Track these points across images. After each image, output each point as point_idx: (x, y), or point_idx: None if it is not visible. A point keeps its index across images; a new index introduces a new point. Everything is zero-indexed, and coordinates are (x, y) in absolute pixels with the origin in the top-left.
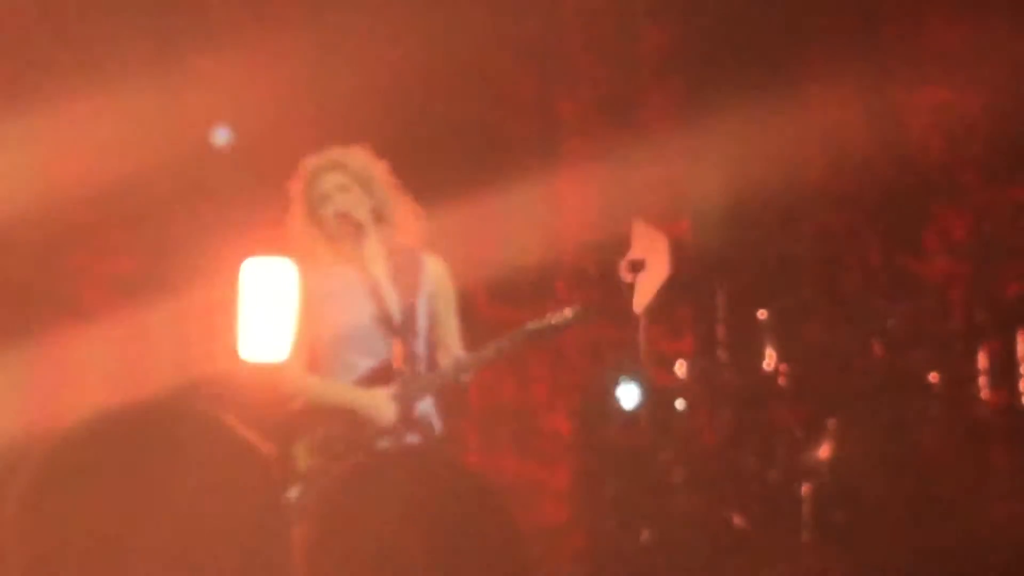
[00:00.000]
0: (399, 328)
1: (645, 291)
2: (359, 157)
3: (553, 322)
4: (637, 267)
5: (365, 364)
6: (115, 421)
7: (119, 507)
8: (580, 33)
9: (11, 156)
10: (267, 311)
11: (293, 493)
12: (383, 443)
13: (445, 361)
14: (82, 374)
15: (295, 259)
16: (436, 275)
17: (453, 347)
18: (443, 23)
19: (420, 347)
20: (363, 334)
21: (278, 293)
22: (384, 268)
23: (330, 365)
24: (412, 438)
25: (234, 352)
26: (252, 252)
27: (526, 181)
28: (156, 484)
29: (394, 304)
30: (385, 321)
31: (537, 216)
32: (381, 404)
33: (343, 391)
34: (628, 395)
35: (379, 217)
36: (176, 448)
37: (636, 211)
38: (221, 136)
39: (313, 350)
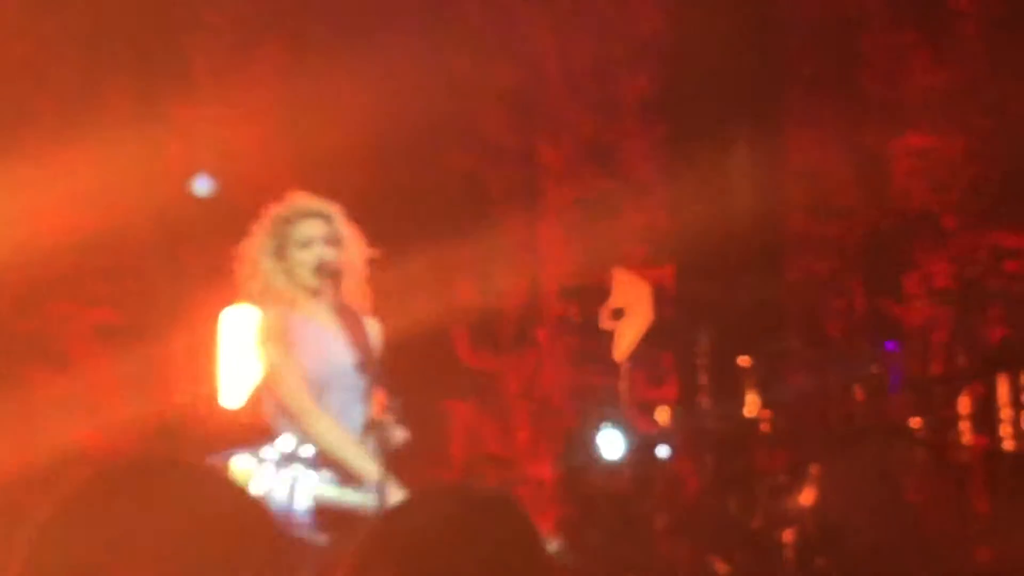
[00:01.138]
0: (378, 378)
1: (626, 338)
2: (340, 215)
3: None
4: (618, 315)
5: (349, 411)
6: (109, 478)
7: (118, 563)
8: (562, 81)
9: None
10: (247, 358)
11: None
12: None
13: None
14: (64, 421)
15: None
16: (376, 338)
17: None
18: (424, 71)
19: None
20: (345, 381)
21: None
22: (335, 321)
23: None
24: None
25: (214, 399)
26: (232, 300)
27: (508, 228)
28: (154, 539)
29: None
30: (365, 369)
31: (519, 263)
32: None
33: (356, 453)
34: (611, 442)
35: (340, 277)
36: (176, 501)
37: (617, 258)
38: (202, 185)
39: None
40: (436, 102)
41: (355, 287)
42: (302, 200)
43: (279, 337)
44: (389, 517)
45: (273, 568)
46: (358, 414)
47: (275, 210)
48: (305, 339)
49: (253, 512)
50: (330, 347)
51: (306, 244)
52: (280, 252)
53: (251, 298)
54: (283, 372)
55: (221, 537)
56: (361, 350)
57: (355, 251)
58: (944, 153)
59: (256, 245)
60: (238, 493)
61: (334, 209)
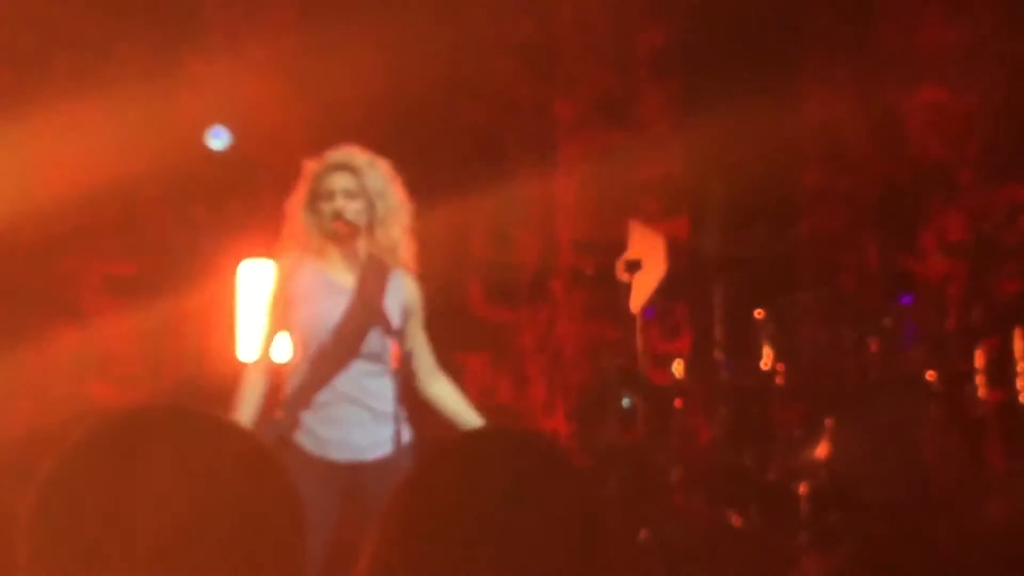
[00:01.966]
0: (396, 331)
1: (642, 291)
2: (375, 169)
3: None
4: (634, 267)
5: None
6: (118, 426)
7: (127, 513)
8: (577, 33)
9: (8, 159)
10: (264, 312)
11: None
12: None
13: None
14: (79, 376)
15: (286, 247)
16: (410, 291)
17: (425, 362)
18: (439, 25)
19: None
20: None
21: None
22: (354, 276)
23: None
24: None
25: (231, 353)
26: (249, 254)
27: (522, 181)
28: (162, 490)
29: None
30: (383, 322)
31: (534, 216)
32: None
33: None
34: (626, 395)
35: (372, 230)
36: (183, 450)
37: (632, 211)
38: (216, 138)
39: (307, 344)
40: (451, 56)
41: (386, 241)
42: (337, 152)
43: (276, 289)
44: (429, 463)
45: (286, 519)
46: (368, 367)
47: (312, 164)
48: (307, 292)
49: (265, 462)
50: (335, 301)
51: (328, 196)
52: (312, 204)
53: (288, 247)
54: (263, 323)
55: (231, 487)
56: (368, 306)
57: (385, 205)
58: (959, 107)
59: (296, 198)
60: (249, 442)
61: (369, 162)
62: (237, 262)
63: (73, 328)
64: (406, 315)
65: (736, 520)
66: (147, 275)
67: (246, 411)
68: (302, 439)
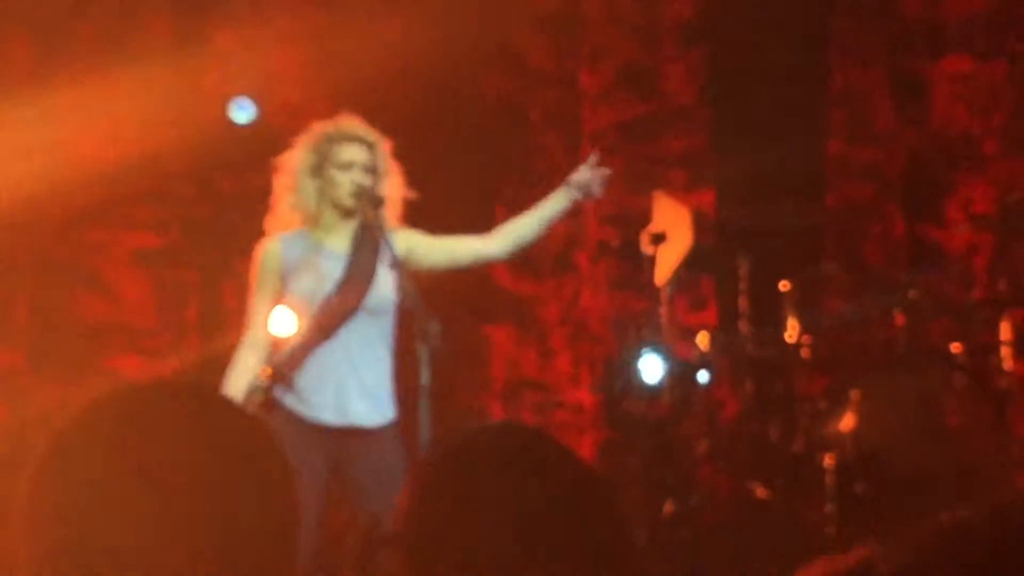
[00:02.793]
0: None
1: (667, 263)
2: (384, 148)
3: None
4: (659, 239)
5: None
6: (117, 402)
7: (118, 490)
8: (602, 5)
9: (33, 132)
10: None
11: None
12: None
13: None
14: (105, 348)
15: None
16: (404, 241)
17: (470, 242)
18: None
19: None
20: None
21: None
22: (349, 239)
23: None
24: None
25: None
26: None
27: (547, 153)
28: (158, 465)
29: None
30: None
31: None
32: None
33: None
34: (650, 367)
35: (380, 205)
36: (180, 426)
37: (658, 183)
38: (240, 109)
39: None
40: (476, 28)
41: (382, 218)
42: (349, 123)
43: (269, 259)
44: (441, 456)
45: (280, 499)
46: (374, 340)
47: (321, 127)
48: (302, 260)
49: (262, 443)
50: (331, 268)
51: (346, 167)
52: (318, 170)
53: (281, 211)
54: (254, 304)
55: (226, 465)
56: (363, 271)
57: (393, 185)
58: (985, 77)
59: (296, 159)
60: (249, 422)
61: (380, 140)
62: (262, 234)
63: (99, 301)
64: (407, 265)
65: (761, 492)
66: (172, 247)
67: (237, 382)
68: (293, 402)
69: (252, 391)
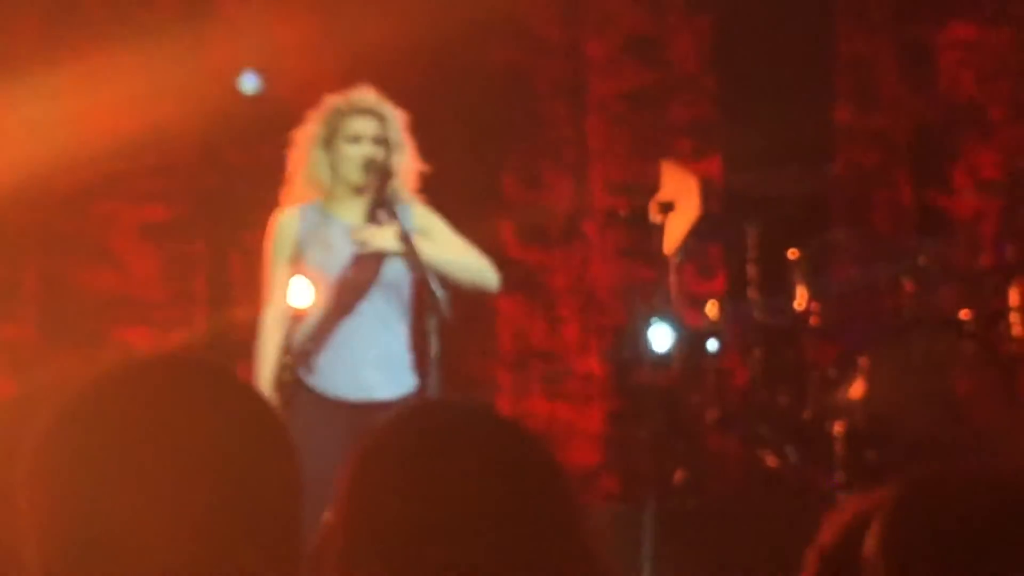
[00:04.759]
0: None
1: (675, 232)
2: (398, 120)
3: None
4: (667, 208)
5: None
6: (121, 375)
7: (119, 466)
8: None
9: (40, 105)
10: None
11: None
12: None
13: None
14: (113, 321)
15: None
16: (419, 217)
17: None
18: None
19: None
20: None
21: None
22: (362, 212)
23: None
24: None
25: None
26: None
27: (554, 122)
28: (158, 444)
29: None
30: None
31: (565, 157)
32: None
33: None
34: (659, 336)
35: (388, 178)
36: (182, 403)
37: (666, 151)
38: (249, 82)
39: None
40: None
41: (395, 191)
42: (361, 96)
43: (283, 233)
44: (382, 432)
45: (282, 480)
46: (390, 313)
47: (333, 100)
48: (316, 234)
49: (267, 422)
50: (345, 241)
51: (355, 140)
52: (328, 143)
53: (296, 184)
54: (272, 276)
55: (227, 444)
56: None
57: (405, 158)
58: (992, 44)
59: (308, 132)
60: (252, 399)
61: (393, 112)
62: (272, 207)
63: (107, 273)
64: (419, 239)
65: (771, 460)
66: (181, 220)
67: (267, 361)
68: (314, 380)
69: (282, 370)
